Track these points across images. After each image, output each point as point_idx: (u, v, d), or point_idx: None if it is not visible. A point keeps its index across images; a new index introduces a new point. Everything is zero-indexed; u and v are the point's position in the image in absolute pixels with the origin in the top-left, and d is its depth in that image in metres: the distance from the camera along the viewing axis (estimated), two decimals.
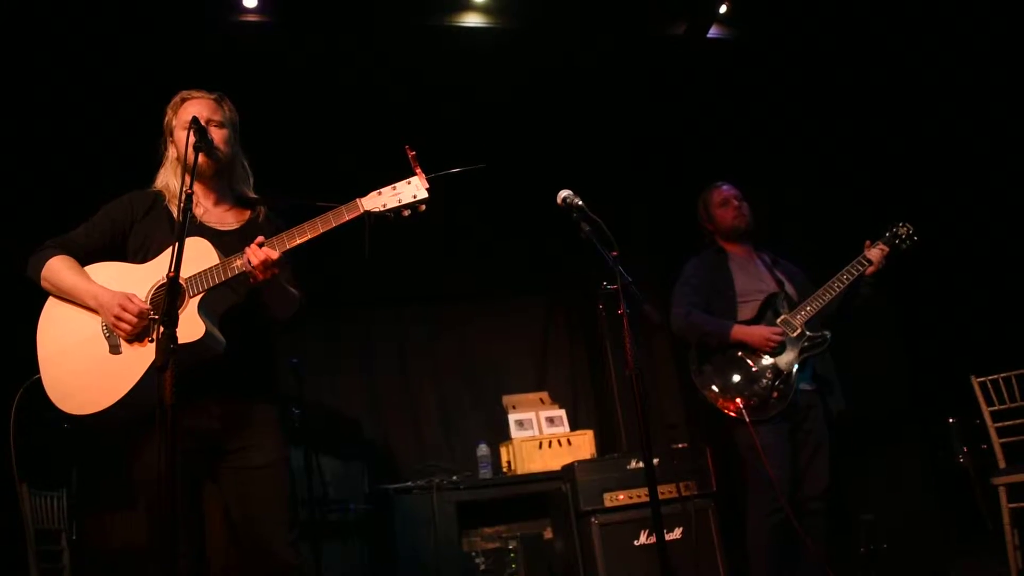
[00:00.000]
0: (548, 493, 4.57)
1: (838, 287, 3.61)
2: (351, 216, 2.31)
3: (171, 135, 2.57)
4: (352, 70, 4.75)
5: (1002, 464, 3.92)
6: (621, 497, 4.17)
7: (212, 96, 2.58)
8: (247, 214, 2.61)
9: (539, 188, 3.43)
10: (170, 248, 2.34)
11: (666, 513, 3.52)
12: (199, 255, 2.30)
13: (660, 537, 2.75)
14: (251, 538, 2.38)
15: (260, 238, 2.30)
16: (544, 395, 5.40)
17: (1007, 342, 4.29)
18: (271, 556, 2.34)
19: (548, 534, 4.76)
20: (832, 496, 3.59)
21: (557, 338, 6.04)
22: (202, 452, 2.35)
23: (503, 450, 5.05)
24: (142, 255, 2.45)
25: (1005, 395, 4.00)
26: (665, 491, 4.03)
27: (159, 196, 2.54)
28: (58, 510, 4.02)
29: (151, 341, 2.29)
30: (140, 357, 2.29)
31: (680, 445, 4.43)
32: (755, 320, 3.66)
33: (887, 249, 3.65)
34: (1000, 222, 4.74)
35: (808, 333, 3.60)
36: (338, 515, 4.37)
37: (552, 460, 4.77)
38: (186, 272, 2.24)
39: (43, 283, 2.43)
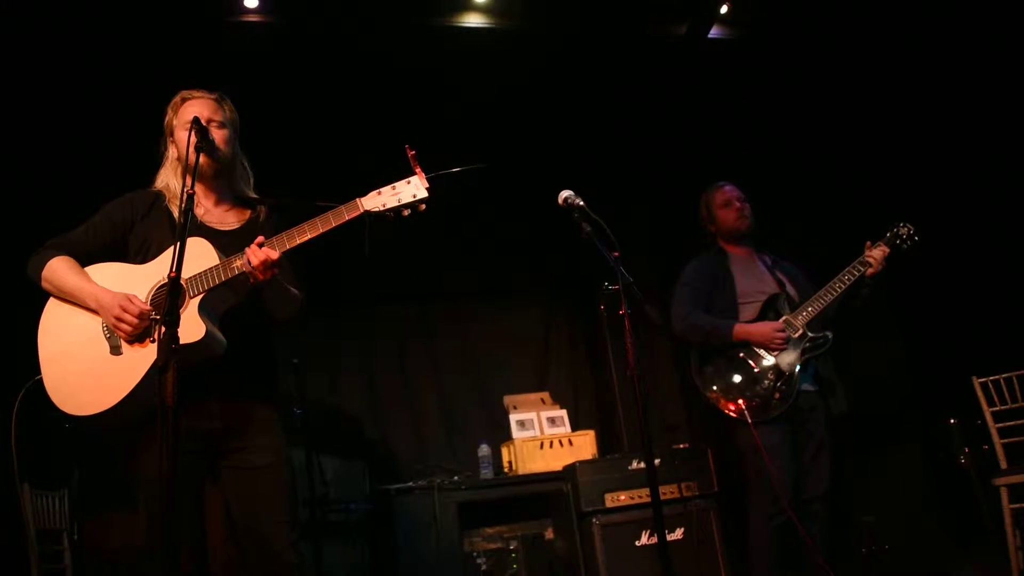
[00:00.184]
0: (549, 493, 4.57)
1: (839, 287, 3.61)
2: (351, 216, 2.30)
3: (171, 135, 2.57)
4: (353, 70, 4.75)
5: (1003, 465, 3.92)
6: (622, 497, 4.17)
7: (213, 96, 2.57)
8: (247, 214, 2.61)
9: (540, 188, 3.43)
10: (170, 248, 2.35)
11: (667, 514, 3.53)
12: (199, 255, 2.29)
13: (661, 537, 2.75)
14: (252, 538, 2.37)
15: (260, 238, 2.29)
16: (545, 395, 5.40)
17: (1008, 342, 4.29)
18: (272, 556, 2.34)
19: (549, 534, 4.75)
20: (833, 497, 3.59)
21: (558, 338, 6.04)
22: (202, 452, 2.35)
23: (504, 450, 5.05)
24: (142, 255, 2.45)
25: (1006, 395, 4.00)
26: (666, 492, 4.03)
27: (159, 196, 2.54)
28: (59, 510, 4.02)
29: (152, 342, 2.29)
30: (141, 358, 2.29)
31: (681, 446, 4.43)
32: (756, 321, 3.66)
33: (888, 250, 3.64)
34: (1001, 222, 4.74)
35: (810, 334, 3.59)
36: (339, 515, 4.37)
37: (553, 460, 4.77)
38: (186, 272, 2.24)
39: (44, 284, 2.43)
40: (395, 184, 2.31)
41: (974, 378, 4.08)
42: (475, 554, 4.59)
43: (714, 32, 4.98)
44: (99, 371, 2.31)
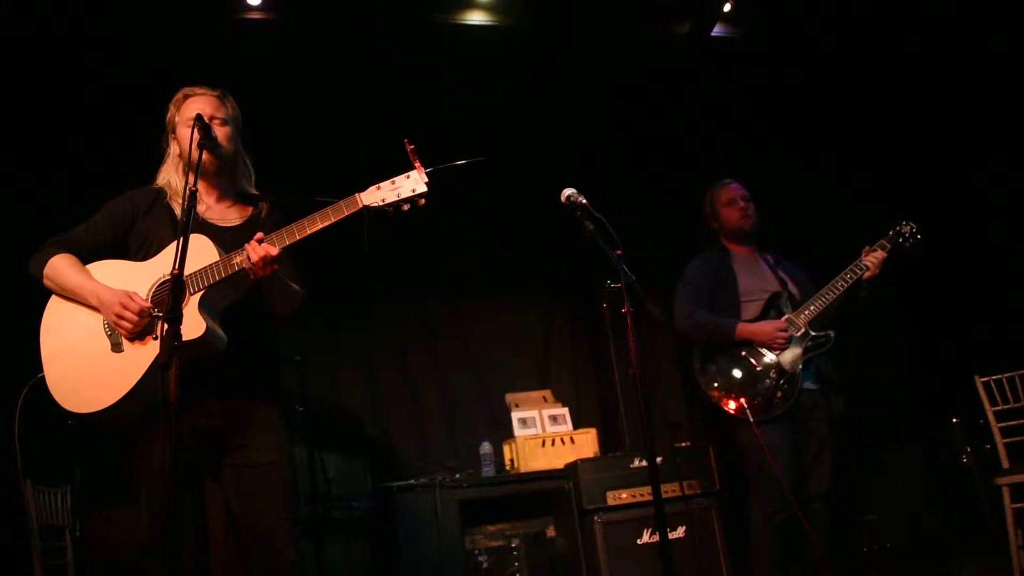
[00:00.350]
0: (551, 491, 4.57)
1: (841, 286, 3.61)
2: (350, 211, 2.30)
3: (173, 132, 2.56)
4: (354, 67, 4.75)
5: (1005, 464, 3.92)
6: (624, 496, 4.17)
7: (215, 93, 2.57)
8: (249, 210, 2.61)
9: (542, 186, 3.43)
10: (171, 245, 2.35)
11: (669, 512, 3.52)
12: (200, 252, 2.29)
13: (663, 536, 2.75)
14: (253, 536, 2.38)
15: (259, 234, 2.29)
16: (547, 393, 5.40)
17: (1011, 342, 4.28)
18: (273, 554, 2.34)
19: (551, 532, 4.75)
20: (835, 496, 3.59)
21: (560, 336, 6.04)
22: (203, 450, 2.35)
23: (506, 448, 5.05)
24: (144, 253, 2.45)
25: (1009, 395, 3.99)
26: (668, 490, 4.03)
27: (160, 193, 2.54)
28: (62, 507, 4.03)
29: (153, 339, 2.29)
30: (142, 355, 2.29)
31: (683, 444, 4.42)
32: (758, 320, 3.66)
33: (885, 254, 3.62)
34: (1003, 221, 4.73)
35: (812, 332, 3.59)
36: (341, 512, 4.37)
37: (555, 458, 4.77)
38: (187, 269, 2.22)
39: (45, 282, 2.43)
40: (394, 179, 2.31)
41: (976, 377, 4.08)
42: (476, 552, 4.59)
43: (717, 30, 4.97)
44: (100, 368, 2.31)
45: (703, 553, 4.02)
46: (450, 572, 4.38)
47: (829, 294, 3.61)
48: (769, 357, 3.58)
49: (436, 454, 5.32)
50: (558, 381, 5.80)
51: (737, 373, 3.60)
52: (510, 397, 5.25)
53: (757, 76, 5.21)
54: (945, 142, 5.00)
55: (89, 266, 2.43)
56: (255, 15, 4.36)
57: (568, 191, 2.93)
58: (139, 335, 2.32)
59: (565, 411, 5.23)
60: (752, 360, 3.59)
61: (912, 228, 3.68)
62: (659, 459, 3.85)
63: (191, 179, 2.15)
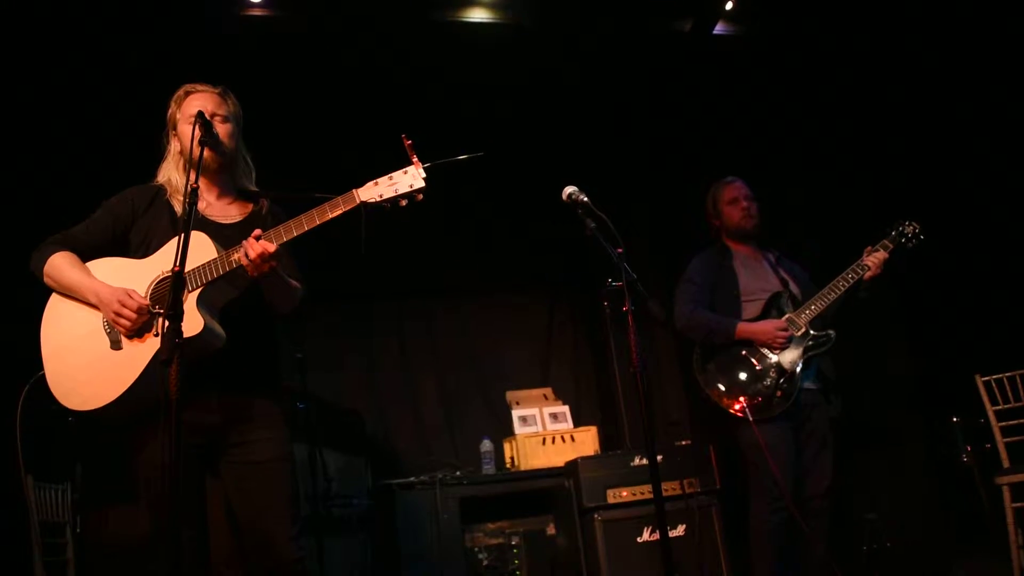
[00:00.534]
0: (551, 489, 4.57)
1: (843, 286, 3.61)
2: (347, 207, 2.29)
3: (174, 129, 2.55)
4: (356, 64, 4.74)
5: (1006, 463, 3.91)
6: (624, 494, 4.17)
7: (216, 90, 2.56)
8: (250, 207, 2.60)
9: (543, 183, 3.42)
10: (170, 243, 2.35)
11: (669, 510, 3.52)
12: (198, 249, 2.28)
13: (663, 534, 2.74)
14: (253, 533, 2.37)
15: (257, 231, 2.28)
16: (548, 391, 5.40)
17: (1012, 341, 4.28)
18: (273, 551, 2.34)
19: (551, 530, 4.75)
20: (835, 495, 3.59)
21: (561, 334, 6.04)
22: (203, 447, 2.35)
23: (506, 446, 5.05)
24: (144, 250, 2.45)
25: (1010, 394, 3.99)
26: (668, 488, 4.04)
27: (161, 190, 2.53)
28: (62, 503, 4.03)
29: (155, 336, 2.29)
30: (140, 352, 2.29)
31: (683, 442, 4.42)
32: (759, 319, 3.66)
33: (886, 254, 3.62)
34: (1005, 220, 4.72)
35: (812, 332, 3.59)
36: (341, 510, 4.37)
37: (555, 456, 4.77)
38: (185, 266, 2.23)
39: (46, 279, 2.43)
40: (392, 174, 2.30)
41: (977, 376, 4.08)
42: (476, 549, 4.60)
43: (719, 28, 4.96)
44: (100, 366, 2.31)
45: (703, 551, 4.02)
46: (450, 569, 4.38)
47: (830, 294, 3.61)
48: (769, 356, 3.58)
49: (436, 452, 5.33)
50: (559, 379, 5.81)
51: (737, 372, 3.60)
52: (510, 395, 5.26)
53: (759, 74, 5.20)
54: (947, 141, 4.99)
55: (89, 264, 2.43)
56: (256, 12, 4.36)
57: (569, 189, 2.93)
58: (138, 332, 2.31)
59: (565, 409, 5.24)
60: (752, 359, 3.59)
61: (915, 228, 3.68)
62: (659, 457, 3.85)
63: (192, 176, 2.15)
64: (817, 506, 3.54)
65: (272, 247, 2.26)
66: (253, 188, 2.63)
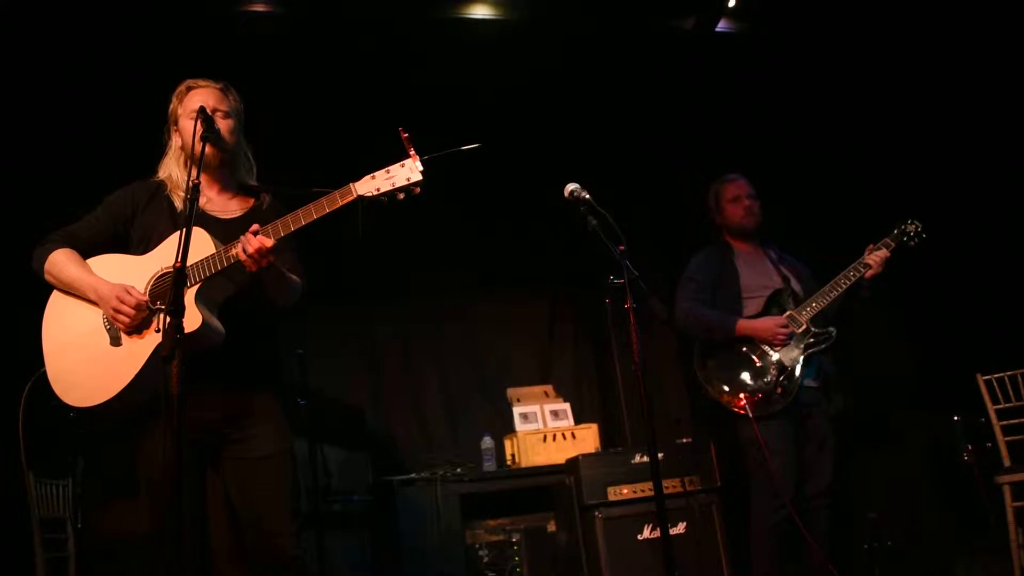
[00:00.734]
0: (552, 486, 4.56)
1: (844, 283, 3.60)
2: (344, 201, 2.28)
3: (175, 124, 2.55)
4: (356, 61, 4.74)
5: (1007, 462, 3.91)
6: (625, 491, 4.16)
7: (218, 85, 2.56)
8: (251, 202, 2.60)
9: (544, 180, 3.42)
10: (169, 239, 2.36)
11: (670, 508, 3.51)
12: (196, 245, 2.26)
13: (664, 531, 2.75)
14: (253, 528, 2.38)
15: (255, 226, 2.27)
16: (548, 388, 5.40)
17: (1013, 340, 4.28)
18: (273, 547, 2.34)
19: (551, 527, 4.75)
20: (835, 493, 3.59)
21: (562, 331, 6.03)
22: (203, 442, 2.35)
23: (507, 443, 5.05)
24: (144, 246, 2.44)
25: (1011, 393, 3.99)
26: (669, 486, 4.03)
27: (161, 186, 2.53)
28: (63, 498, 4.04)
29: (156, 332, 2.29)
30: (140, 349, 2.29)
31: (684, 440, 4.42)
32: (760, 316, 3.65)
33: (888, 253, 3.62)
34: (1007, 219, 4.72)
35: (813, 329, 3.59)
36: (342, 506, 4.38)
37: (556, 453, 4.77)
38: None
39: (46, 276, 2.43)
40: (389, 168, 2.28)
41: (979, 375, 4.08)
42: (477, 546, 4.59)
43: (721, 26, 4.95)
44: (100, 362, 2.31)
45: (703, 549, 4.01)
46: (450, 566, 4.38)
47: (832, 291, 3.60)
48: (770, 354, 3.57)
49: (437, 448, 5.33)
50: (560, 376, 5.81)
51: (738, 369, 3.60)
52: (511, 392, 5.26)
53: (762, 72, 5.19)
54: (950, 140, 4.98)
55: (89, 260, 2.43)
56: (257, 7, 4.35)
57: (571, 186, 2.93)
58: (137, 329, 2.31)
59: (566, 406, 5.24)
60: (753, 356, 3.59)
61: (917, 227, 3.68)
62: (660, 455, 3.85)
63: (194, 172, 2.14)
64: (817, 504, 3.54)
65: (270, 242, 2.25)
66: (254, 183, 2.63)
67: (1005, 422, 3.97)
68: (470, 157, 2.59)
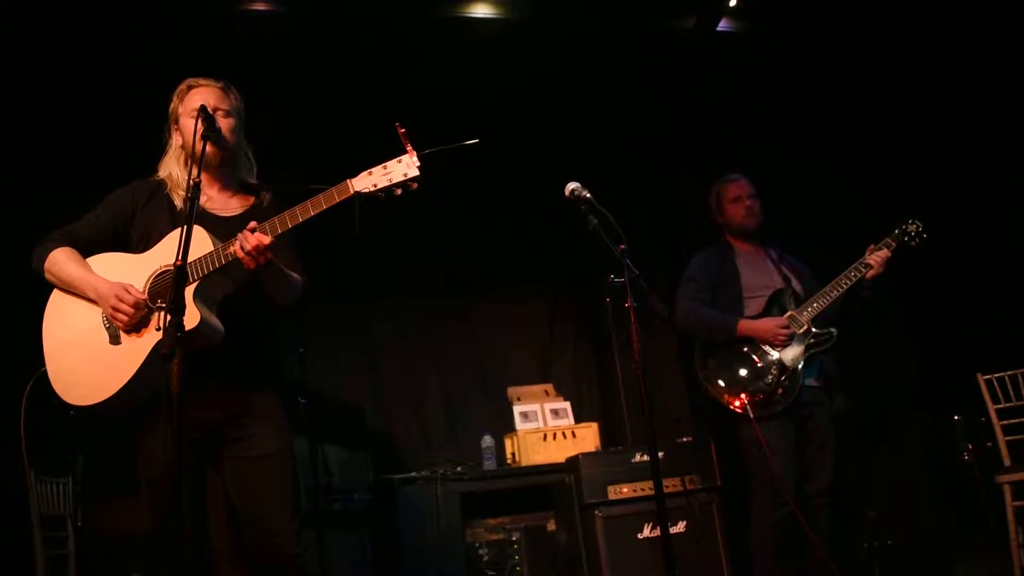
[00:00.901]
0: (552, 485, 4.56)
1: (845, 284, 3.60)
2: (342, 198, 2.27)
3: (176, 123, 2.55)
4: (357, 60, 4.73)
5: (1007, 462, 3.91)
6: (625, 490, 4.16)
7: (219, 84, 2.55)
8: (251, 200, 2.59)
9: (544, 180, 3.42)
10: (168, 237, 2.36)
11: (670, 507, 3.52)
12: (194, 242, 2.25)
13: (664, 530, 2.75)
14: (253, 527, 2.38)
15: (252, 224, 2.27)
16: (549, 387, 5.40)
17: (1014, 339, 4.28)
18: (273, 545, 2.34)
19: (552, 526, 4.75)
20: (836, 492, 3.59)
21: (562, 330, 6.03)
22: (203, 441, 2.35)
23: (507, 442, 5.05)
24: (144, 244, 2.44)
25: (1011, 393, 3.99)
26: (669, 485, 4.03)
27: (161, 184, 2.53)
28: (64, 496, 4.04)
29: (156, 330, 2.29)
30: (139, 347, 2.30)
31: (684, 439, 4.42)
32: (761, 316, 3.66)
33: (889, 253, 3.62)
34: (1007, 219, 4.72)
35: (814, 329, 3.59)
36: (342, 505, 4.38)
37: (556, 452, 4.77)
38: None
39: (46, 275, 2.43)
40: (386, 164, 2.28)
41: (979, 375, 4.08)
42: (477, 545, 4.60)
43: (722, 25, 4.95)
44: (99, 361, 2.31)
45: (703, 548, 4.02)
46: (450, 565, 4.38)
47: (833, 292, 3.60)
48: (771, 354, 3.58)
49: (438, 447, 5.33)
50: (560, 375, 5.81)
51: (738, 369, 3.60)
52: (512, 391, 5.26)
53: (763, 72, 5.19)
54: (950, 140, 4.98)
55: (89, 259, 2.43)
56: (258, 6, 4.35)
57: (572, 185, 2.93)
58: (136, 327, 2.31)
59: (567, 405, 5.24)
60: (754, 356, 3.59)
61: (918, 227, 3.68)
62: (660, 454, 3.85)
63: (195, 171, 2.14)
64: (818, 504, 3.54)
65: (267, 239, 2.24)
66: (254, 181, 2.63)
67: (1005, 421, 3.97)
68: (470, 156, 2.58)
